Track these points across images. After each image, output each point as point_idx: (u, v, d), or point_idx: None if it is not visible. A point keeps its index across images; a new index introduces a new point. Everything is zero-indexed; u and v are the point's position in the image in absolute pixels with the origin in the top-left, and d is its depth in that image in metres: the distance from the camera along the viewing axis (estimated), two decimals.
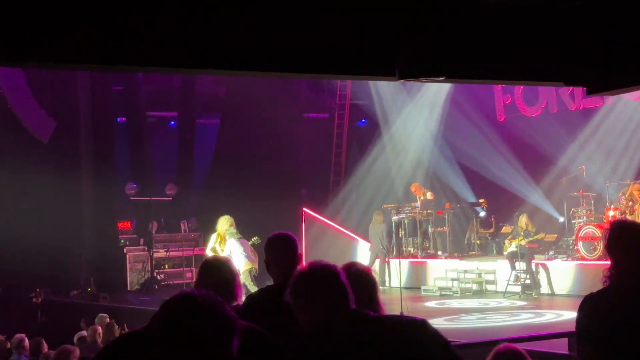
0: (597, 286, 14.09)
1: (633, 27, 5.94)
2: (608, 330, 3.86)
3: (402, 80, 5.51)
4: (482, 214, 18.03)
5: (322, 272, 3.58)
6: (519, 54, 6.10)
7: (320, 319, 3.40)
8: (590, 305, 4.01)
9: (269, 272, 5.03)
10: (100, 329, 12.15)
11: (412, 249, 19.04)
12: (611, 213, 15.67)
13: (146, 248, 20.78)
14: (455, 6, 5.57)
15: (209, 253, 15.31)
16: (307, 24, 5.65)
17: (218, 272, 4.58)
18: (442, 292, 16.86)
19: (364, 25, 5.69)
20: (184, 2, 5.34)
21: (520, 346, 4.35)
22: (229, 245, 14.97)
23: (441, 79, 5.42)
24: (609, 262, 13.38)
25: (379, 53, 5.75)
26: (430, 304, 15.72)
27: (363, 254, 19.21)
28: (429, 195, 18.71)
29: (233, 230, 15.11)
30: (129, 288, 20.20)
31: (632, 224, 4.05)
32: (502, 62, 6.12)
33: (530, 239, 15.79)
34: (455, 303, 15.70)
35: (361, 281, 4.14)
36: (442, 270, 17.51)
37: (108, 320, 13.01)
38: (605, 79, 6.51)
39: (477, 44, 5.86)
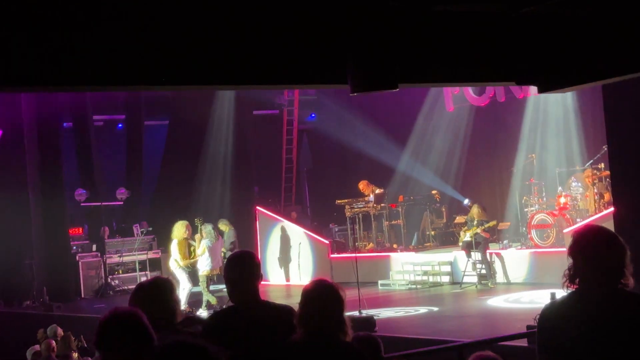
0: (552, 273, 14.21)
1: (579, 29, 6.02)
2: (568, 342, 3.84)
3: (354, 94, 5.45)
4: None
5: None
6: (470, 57, 6.11)
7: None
8: (549, 317, 3.98)
9: (229, 294, 4.94)
10: (54, 343, 11.87)
11: (367, 244, 19.06)
12: (562, 200, 15.85)
13: (99, 254, 20.50)
14: (404, 15, 5.53)
15: (175, 261, 15.13)
16: (255, 35, 5.56)
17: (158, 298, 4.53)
18: (400, 286, 16.91)
19: (313, 35, 5.62)
20: (125, 19, 5.20)
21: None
22: (203, 246, 15.07)
23: (394, 90, 5.37)
24: (562, 249, 13.45)
25: (329, 62, 5.69)
26: (388, 297, 15.75)
27: (317, 250, 19.19)
28: (377, 192, 18.73)
29: (209, 230, 15.21)
30: (83, 296, 19.93)
31: (599, 230, 3.99)
32: (453, 66, 6.12)
33: (484, 227, 15.88)
34: (409, 296, 15.76)
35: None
36: (398, 264, 17.57)
37: (61, 331, 12.73)
38: (555, 78, 6.58)
39: (428, 50, 5.85)
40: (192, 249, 15.18)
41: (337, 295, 4.16)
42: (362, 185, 18.91)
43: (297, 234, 19.83)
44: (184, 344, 2.64)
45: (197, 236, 15.23)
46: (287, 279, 19.69)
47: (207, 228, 15.30)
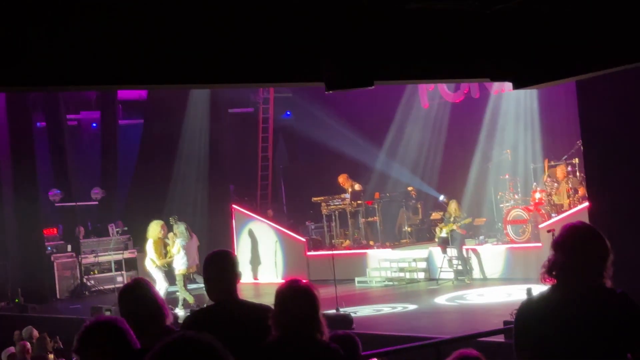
0: (528, 268, 14.28)
1: (553, 25, 6.05)
2: (545, 339, 3.85)
3: (330, 92, 5.44)
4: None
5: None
6: (445, 54, 6.13)
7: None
8: (526, 314, 3.99)
9: (207, 293, 4.93)
10: (28, 345, 11.77)
11: (343, 241, 19.06)
12: (537, 195, 15.93)
13: (74, 254, 20.37)
14: (379, 13, 5.53)
15: (151, 260, 15.09)
16: (229, 34, 5.54)
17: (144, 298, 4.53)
18: (377, 283, 16.93)
19: (288, 33, 5.60)
20: (97, 18, 5.16)
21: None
22: (177, 245, 15.03)
23: (370, 87, 5.37)
24: (538, 244, 13.51)
25: (304, 60, 5.67)
26: (365, 294, 15.77)
27: (294, 248, 19.19)
28: (357, 187, 18.74)
29: (183, 229, 15.18)
30: (58, 296, 19.80)
31: (585, 228, 3.99)
32: (428, 63, 6.13)
33: (460, 223, 15.94)
34: (386, 292, 15.79)
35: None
36: (375, 261, 17.59)
37: (36, 333, 12.63)
38: (529, 74, 6.61)
39: (402, 48, 5.85)
40: (167, 248, 15.15)
41: (311, 295, 4.16)
42: (342, 178, 18.88)
43: (273, 231, 19.81)
44: (191, 339, 2.52)
45: (171, 235, 15.19)
46: (255, 277, 19.71)
47: (180, 227, 15.28)
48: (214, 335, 4.52)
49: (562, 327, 3.83)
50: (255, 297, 15.99)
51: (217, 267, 4.85)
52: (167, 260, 15.03)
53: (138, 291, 4.58)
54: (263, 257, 19.84)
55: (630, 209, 9.53)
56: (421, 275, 16.80)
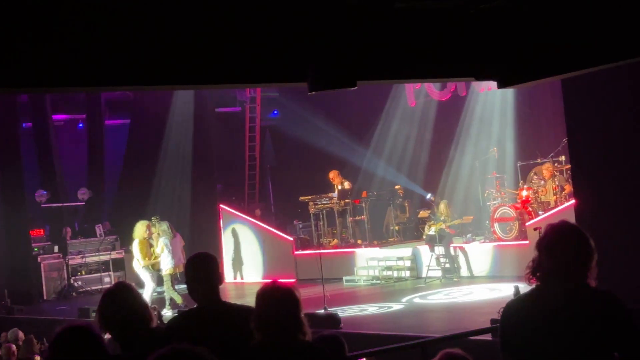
0: (515, 266, 14.30)
1: (537, 24, 6.06)
2: (530, 340, 3.85)
3: (313, 92, 5.43)
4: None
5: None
6: (429, 54, 6.13)
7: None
8: (512, 314, 3.98)
9: (191, 295, 4.93)
10: (14, 347, 11.70)
11: (331, 240, 19.06)
12: (524, 193, 15.96)
13: (61, 255, 20.30)
14: (363, 13, 5.51)
15: (138, 262, 15.07)
16: (213, 35, 5.52)
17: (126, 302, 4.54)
18: (364, 282, 16.94)
19: (272, 34, 5.59)
20: (82, 19, 5.13)
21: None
22: (161, 245, 15.00)
23: (352, 88, 5.36)
24: (525, 242, 13.53)
25: (288, 60, 5.66)
26: (353, 293, 15.77)
27: (281, 247, 19.18)
28: (346, 184, 18.72)
29: (165, 228, 15.14)
30: (45, 298, 19.73)
31: (568, 228, 3.98)
32: (412, 63, 6.13)
33: (449, 224, 15.97)
34: (374, 291, 15.80)
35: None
36: (363, 260, 17.59)
37: (22, 335, 12.55)
38: (514, 73, 6.62)
39: (386, 48, 5.84)
40: (152, 249, 15.12)
41: (292, 296, 4.14)
42: (333, 174, 18.84)
43: (261, 231, 19.79)
44: (183, 352, 2.50)
45: (155, 235, 15.16)
46: (242, 277, 19.69)
47: (163, 226, 15.24)
48: (201, 339, 4.52)
49: (547, 328, 3.82)
50: (242, 297, 15.98)
51: (203, 269, 4.85)
52: (152, 262, 14.98)
53: (120, 295, 4.58)
54: (250, 257, 19.82)
55: (616, 206, 9.58)
56: (409, 273, 16.81)
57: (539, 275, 3.92)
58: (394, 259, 17.05)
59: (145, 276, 14.93)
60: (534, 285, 3.97)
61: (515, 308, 4.01)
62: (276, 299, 4.11)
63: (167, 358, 2.49)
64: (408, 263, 16.81)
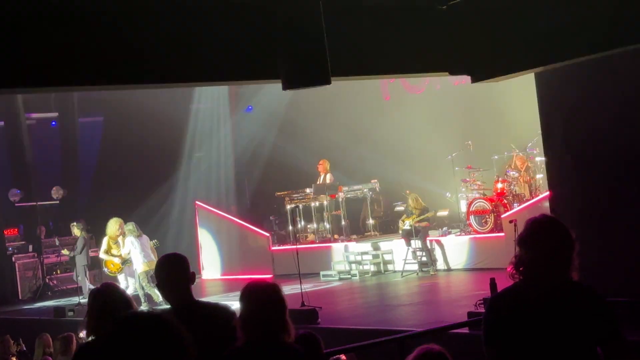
0: (491, 259, 14.31)
1: (509, 20, 6.09)
2: (514, 335, 3.87)
3: (287, 90, 5.42)
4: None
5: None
6: (403, 50, 6.14)
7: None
8: (495, 308, 4.00)
9: (164, 297, 4.92)
10: None
11: (307, 235, 19.04)
12: (500, 185, 16.04)
13: (36, 254, 20.15)
14: (336, 10, 5.51)
15: (102, 257, 15.26)
16: (188, 34, 5.50)
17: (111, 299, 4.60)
18: (342, 276, 16.95)
19: (245, 31, 5.57)
20: (54, 21, 5.10)
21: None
22: (128, 245, 14.95)
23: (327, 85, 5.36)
24: (501, 234, 13.57)
25: (262, 58, 5.65)
26: (330, 288, 15.79)
27: (258, 243, 19.16)
28: (328, 177, 18.68)
29: (131, 227, 15.07)
30: (20, 297, 19.58)
31: (548, 222, 4.00)
32: (386, 59, 6.14)
33: (420, 217, 16.02)
34: (351, 285, 15.82)
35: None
36: (339, 254, 17.60)
37: None
38: (487, 68, 6.65)
39: (360, 44, 5.85)
40: (118, 248, 15.12)
41: (278, 297, 4.09)
42: (322, 163, 18.81)
43: (237, 227, 19.75)
44: (142, 315, 2.45)
45: (121, 238, 15.16)
46: (223, 273, 19.67)
47: (129, 226, 15.19)
48: None
49: (531, 323, 3.85)
50: (219, 294, 15.94)
51: (175, 270, 4.83)
52: (111, 257, 15.01)
53: (108, 292, 4.67)
54: (227, 253, 19.78)
55: (590, 198, 9.64)
56: (386, 267, 16.85)
57: (522, 270, 3.95)
58: (371, 253, 17.08)
59: (120, 278, 15.03)
60: (516, 280, 3.99)
61: (499, 303, 4.03)
62: (262, 300, 4.05)
63: (126, 320, 2.44)
64: (388, 257, 16.85)
